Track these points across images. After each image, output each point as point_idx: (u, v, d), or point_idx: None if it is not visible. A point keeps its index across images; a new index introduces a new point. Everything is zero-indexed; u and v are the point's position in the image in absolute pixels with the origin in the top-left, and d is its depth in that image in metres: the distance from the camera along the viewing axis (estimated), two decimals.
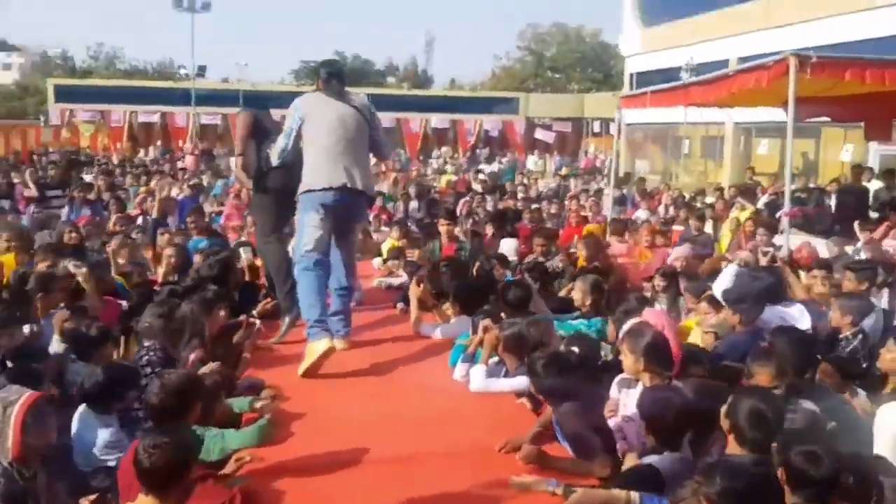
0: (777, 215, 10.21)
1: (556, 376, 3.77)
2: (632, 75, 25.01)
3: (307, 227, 5.34)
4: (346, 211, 5.45)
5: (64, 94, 39.53)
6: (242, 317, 5.60)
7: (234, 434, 3.78)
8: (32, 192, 11.41)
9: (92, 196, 10.70)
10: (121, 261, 7.22)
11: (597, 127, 36.16)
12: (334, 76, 5.57)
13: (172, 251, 7.24)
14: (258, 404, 4.27)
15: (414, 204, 12.31)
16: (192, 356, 4.54)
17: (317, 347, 4.98)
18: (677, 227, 11.64)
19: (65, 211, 10.21)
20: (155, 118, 38.56)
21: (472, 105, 41.11)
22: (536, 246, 8.19)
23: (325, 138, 5.33)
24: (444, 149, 37.32)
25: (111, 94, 40.14)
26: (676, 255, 8.10)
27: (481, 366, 4.67)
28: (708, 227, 12.31)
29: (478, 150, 38.44)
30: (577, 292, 5.87)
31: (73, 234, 7.76)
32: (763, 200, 13.52)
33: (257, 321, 5.41)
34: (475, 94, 46.04)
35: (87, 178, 15.31)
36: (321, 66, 5.75)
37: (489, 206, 13.15)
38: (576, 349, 4.29)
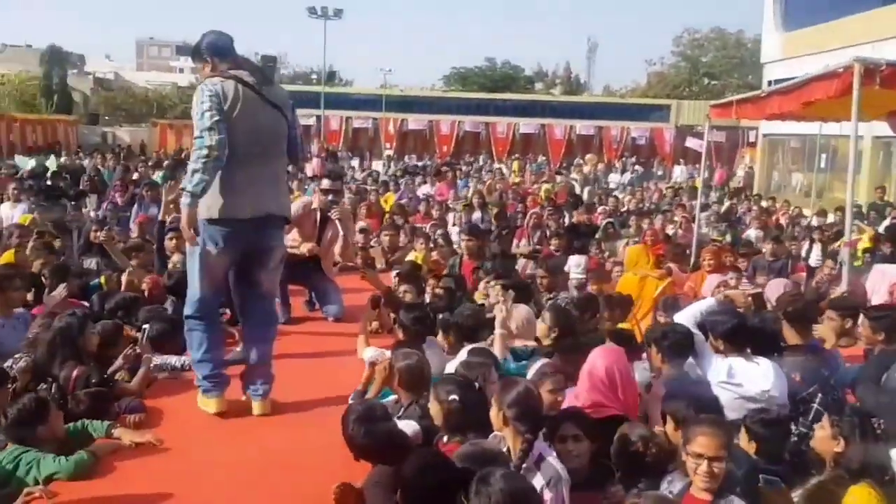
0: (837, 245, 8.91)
1: (366, 435, 3.19)
2: (770, 82, 23.01)
3: (203, 266, 4.37)
4: (259, 242, 4.47)
5: None
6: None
7: (50, 462, 3.55)
8: (118, 198, 11.86)
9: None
10: (133, 262, 7.26)
11: (752, 136, 33.77)
12: (248, 60, 4.43)
13: (178, 258, 7.16)
14: (115, 431, 4.03)
15: (477, 215, 11.70)
16: (74, 373, 4.37)
17: (206, 405, 4.46)
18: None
19: (134, 209, 10.53)
20: (311, 121, 40.15)
21: (619, 112, 39.69)
22: (540, 278, 7.39)
23: (242, 150, 4.22)
24: (588, 156, 36.34)
25: None
26: (711, 286, 7.13)
27: None
28: (816, 252, 10.98)
29: (624, 158, 37.11)
30: (540, 323, 5.23)
31: (99, 233, 7.93)
32: (885, 224, 11.87)
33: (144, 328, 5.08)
34: (623, 101, 44.37)
35: None
36: (222, 40, 4.39)
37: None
38: (455, 397, 3.68)
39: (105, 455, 3.81)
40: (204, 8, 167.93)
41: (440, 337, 5.28)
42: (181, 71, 74.14)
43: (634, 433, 3.64)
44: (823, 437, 3.30)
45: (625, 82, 59.67)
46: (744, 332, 4.42)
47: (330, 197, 6.48)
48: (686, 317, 4.60)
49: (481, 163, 33.05)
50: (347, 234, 6.61)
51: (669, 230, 11.82)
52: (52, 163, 19.59)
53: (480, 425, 3.49)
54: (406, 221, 10.79)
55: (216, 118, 4.10)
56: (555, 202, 14.22)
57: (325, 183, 6.62)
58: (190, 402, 4.59)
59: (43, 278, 6.04)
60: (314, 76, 41.86)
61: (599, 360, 3.94)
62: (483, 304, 6.39)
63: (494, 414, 3.46)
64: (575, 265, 10.06)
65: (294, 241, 6.46)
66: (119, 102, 50.98)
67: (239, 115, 4.21)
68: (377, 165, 31.41)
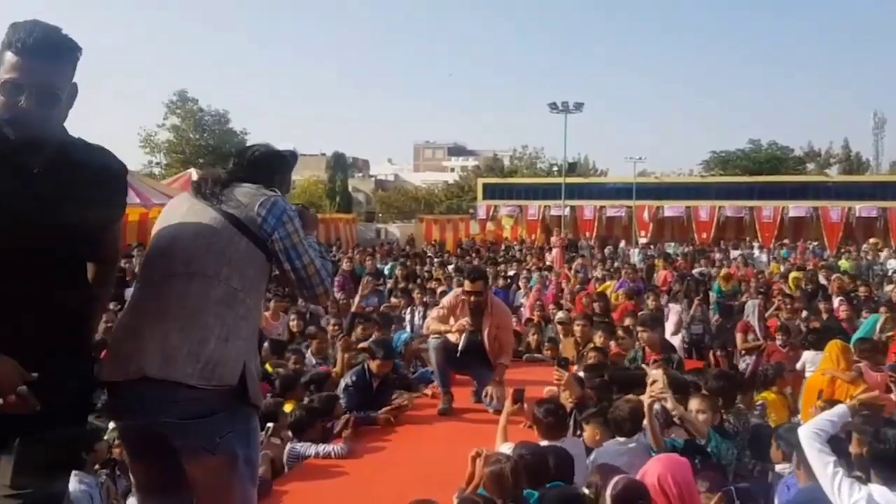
0: None
1: None
2: None
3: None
4: (153, 425, 2.55)
5: (490, 192, 44.08)
6: None
7: None
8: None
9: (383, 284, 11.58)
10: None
11: None
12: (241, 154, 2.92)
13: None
14: None
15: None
16: None
17: None
18: None
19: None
20: (564, 211, 40.55)
21: None
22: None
23: (141, 277, 2.78)
24: (871, 240, 32.72)
25: (528, 190, 43.58)
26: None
27: None
28: None
29: None
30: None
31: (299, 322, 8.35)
32: None
33: None
34: None
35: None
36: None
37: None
38: None
39: None
40: (472, 112, 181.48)
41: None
42: (452, 170, 79.22)
43: None
44: None
45: None
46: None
47: (472, 298, 6.43)
48: (809, 428, 3.69)
49: (743, 248, 31.00)
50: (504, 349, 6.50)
51: None
52: None
53: None
54: (609, 311, 10.22)
55: None
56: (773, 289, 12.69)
57: (467, 285, 6.60)
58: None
59: None
60: (555, 168, 42.55)
61: (654, 469, 3.38)
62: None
63: None
64: (809, 363, 8.93)
65: (450, 328, 6.50)
66: (393, 201, 55.84)
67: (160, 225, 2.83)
68: (633, 253, 30.77)
